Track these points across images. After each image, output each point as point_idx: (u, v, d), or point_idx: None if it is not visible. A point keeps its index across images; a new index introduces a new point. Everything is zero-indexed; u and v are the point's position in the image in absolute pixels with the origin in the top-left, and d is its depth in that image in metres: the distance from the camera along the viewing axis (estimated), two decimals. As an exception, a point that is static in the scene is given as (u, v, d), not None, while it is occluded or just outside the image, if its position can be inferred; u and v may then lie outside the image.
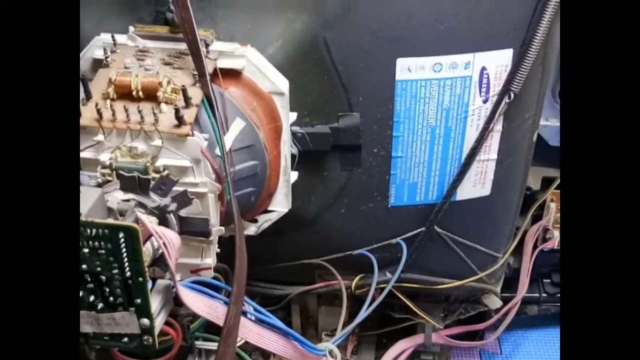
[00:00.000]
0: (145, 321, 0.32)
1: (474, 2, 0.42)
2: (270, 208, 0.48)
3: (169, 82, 0.37)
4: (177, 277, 0.41)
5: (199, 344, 0.47)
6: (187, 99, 0.37)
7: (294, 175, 0.47)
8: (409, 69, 0.44)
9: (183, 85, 0.37)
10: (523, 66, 0.45)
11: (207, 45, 0.40)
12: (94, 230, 0.29)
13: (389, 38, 0.43)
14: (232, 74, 0.42)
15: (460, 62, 0.44)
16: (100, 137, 0.37)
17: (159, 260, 0.37)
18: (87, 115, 0.37)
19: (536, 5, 0.43)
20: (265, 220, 0.48)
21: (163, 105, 0.37)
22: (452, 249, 0.54)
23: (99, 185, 0.37)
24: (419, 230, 0.52)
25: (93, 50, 0.41)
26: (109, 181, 0.37)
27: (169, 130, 0.36)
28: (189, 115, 0.37)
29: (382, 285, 0.54)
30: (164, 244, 0.32)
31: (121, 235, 0.29)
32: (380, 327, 0.64)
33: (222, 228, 0.40)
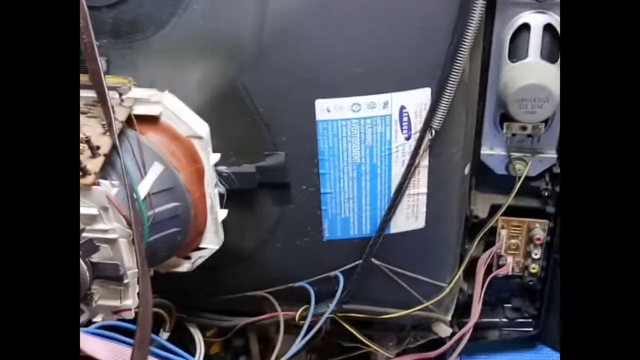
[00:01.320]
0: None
1: (388, 46, 0.43)
2: (201, 245, 0.49)
3: (77, 133, 0.39)
4: (99, 318, 0.42)
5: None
6: (92, 149, 0.38)
7: (222, 213, 0.48)
8: (328, 109, 0.45)
9: (88, 136, 0.38)
10: (442, 104, 0.45)
11: (120, 94, 0.41)
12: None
13: (306, 80, 0.44)
14: (150, 120, 0.43)
15: (378, 102, 0.45)
16: (10, 188, 0.38)
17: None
18: (-3, 167, 0.38)
19: (449, 45, 0.44)
20: (199, 257, 0.49)
21: (70, 156, 0.38)
22: (393, 280, 0.55)
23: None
24: (356, 262, 0.53)
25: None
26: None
27: (74, 181, 0.37)
28: (93, 165, 0.38)
29: (329, 316, 0.55)
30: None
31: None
32: (335, 356, 0.65)
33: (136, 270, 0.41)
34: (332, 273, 0.53)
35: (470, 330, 0.63)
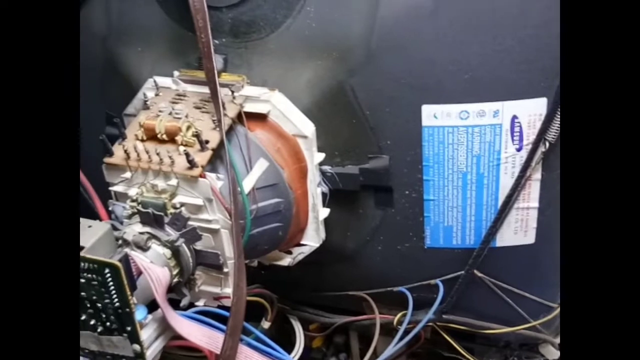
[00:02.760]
0: (137, 347, 0.36)
1: (498, 54, 0.42)
2: (302, 242, 0.50)
3: (189, 127, 0.41)
4: (200, 303, 0.45)
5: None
6: (202, 143, 0.40)
7: (324, 212, 0.48)
8: (435, 115, 0.44)
9: (198, 130, 0.40)
10: (559, 115, 0.43)
11: (232, 92, 0.43)
12: (86, 264, 0.33)
13: (413, 85, 0.43)
14: (259, 117, 0.44)
15: (488, 110, 0.44)
16: (127, 174, 0.41)
17: (176, 287, 0.41)
18: (117, 154, 0.41)
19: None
20: (299, 253, 0.50)
21: (182, 148, 0.41)
22: (497, 295, 0.53)
23: (130, 216, 0.41)
24: (458, 273, 0.51)
25: (143, 91, 0.46)
26: (135, 213, 0.41)
27: (182, 172, 0.40)
28: (201, 158, 0.40)
29: (428, 324, 0.55)
30: (151, 279, 0.35)
31: (107, 270, 0.33)
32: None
33: (236, 261, 0.43)
34: (432, 281, 0.52)
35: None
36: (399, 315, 0.56)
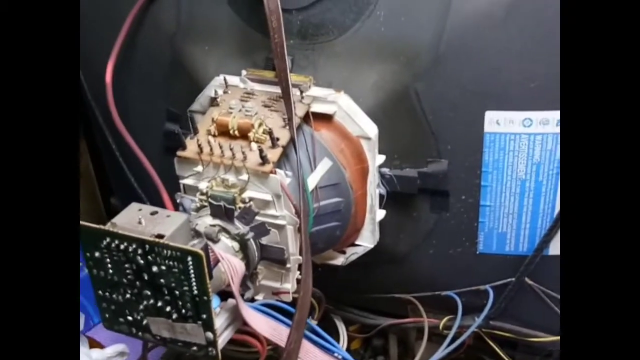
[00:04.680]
0: (210, 335, 0.37)
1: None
2: (357, 242, 0.51)
3: (260, 124, 0.42)
4: (260, 297, 0.46)
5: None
6: (273, 140, 0.41)
7: (381, 214, 0.49)
8: (498, 122, 0.45)
9: (270, 128, 0.41)
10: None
11: (301, 92, 0.44)
12: (169, 252, 0.35)
13: (478, 92, 0.44)
14: (324, 118, 0.45)
15: (552, 119, 0.44)
16: (199, 168, 0.42)
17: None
18: (190, 148, 0.42)
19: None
20: (353, 253, 0.51)
21: (253, 144, 0.42)
22: (546, 303, 0.53)
23: (198, 209, 0.42)
24: (508, 280, 0.52)
25: (211, 89, 0.47)
26: (205, 206, 0.42)
27: (254, 167, 0.41)
28: (273, 154, 0.41)
29: (473, 329, 0.55)
30: (227, 269, 0.36)
31: (189, 258, 0.34)
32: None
33: (301, 257, 0.44)
34: (482, 287, 0.53)
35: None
36: (444, 319, 0.57)
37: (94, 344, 0.64)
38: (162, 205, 0.43)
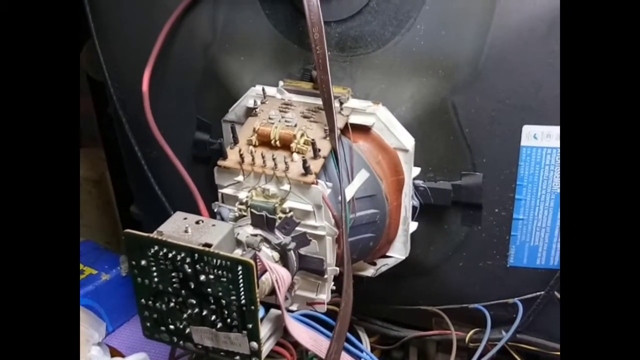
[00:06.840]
0: (254, 344, 0.37)
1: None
2: (388, 254, 0.51)
3: (302, 135, 0.42)
4: (294, 307, 0.45)
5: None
6: (315, 151, 0.41)
7: (413, 226, 0.49)
8: (535, 136, 0.45)
9: (313, 139, 0.42)
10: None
11: (341, 103, 0.45)
12: (218, 261, 0.35)
13: (516, 106, 0.45)
14: (362, 129, 0.46)
15: (588, 134, 0.44)
16: (240, 177, 0.42)
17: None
18: (231, 157, 0.43)
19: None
20: (384, 264, 0.51)
21: (295, 155, 0.42)
22: (573, 317, 0.53)
23: (236, 219, 0.42)
24: (537, 293, 0.52)
25: (248, 99, 0.48)
26: (244, 216, 0.42)
27: (296, 178, 0.41)
28: (315, 165, 0.41)
29: (496, 343, 0.55)
30: (275, 280, 0.36)
31: (239, 268, 0.34)
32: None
33: (337, 268, 0.44)
34: (511, 300, 0.53)
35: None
36: (470, 332, 0.57)
37: (114, 353, 0.64)
38: (197, 214, 0.43)
